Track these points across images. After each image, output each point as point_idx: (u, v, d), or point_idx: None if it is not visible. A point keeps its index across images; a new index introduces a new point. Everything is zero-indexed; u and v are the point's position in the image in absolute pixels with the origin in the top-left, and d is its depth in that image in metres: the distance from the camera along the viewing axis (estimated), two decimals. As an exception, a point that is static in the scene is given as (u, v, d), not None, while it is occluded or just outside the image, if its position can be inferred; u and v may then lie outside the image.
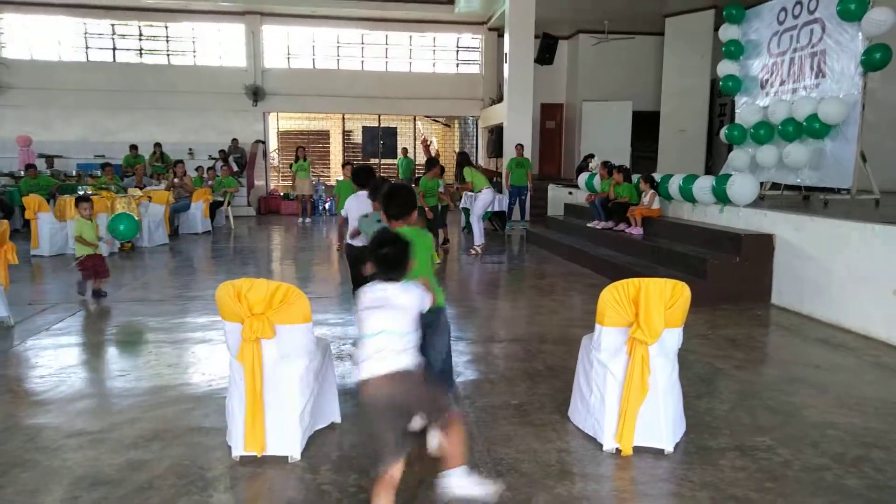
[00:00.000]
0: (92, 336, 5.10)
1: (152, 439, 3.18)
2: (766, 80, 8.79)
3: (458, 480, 2.42)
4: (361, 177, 4.96)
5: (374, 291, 2.37)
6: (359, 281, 4.30)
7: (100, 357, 4.64)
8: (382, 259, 2.37)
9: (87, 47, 16.12)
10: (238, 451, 2.95)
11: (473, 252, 9.55)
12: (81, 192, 10.19)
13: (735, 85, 9.24)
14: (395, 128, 18.03)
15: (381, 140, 17.70)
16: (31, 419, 3.47)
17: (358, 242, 4.49)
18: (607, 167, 9.35)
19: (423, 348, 2.66)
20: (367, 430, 2.79)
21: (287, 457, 2.94)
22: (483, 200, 9.82)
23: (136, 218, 7.26)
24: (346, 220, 4.85)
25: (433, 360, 2.99)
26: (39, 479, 2.79)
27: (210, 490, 2.70)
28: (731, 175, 7.15)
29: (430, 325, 2.90)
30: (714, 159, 14.97)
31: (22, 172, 12.07)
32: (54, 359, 4.51)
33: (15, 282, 5.80)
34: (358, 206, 4.64)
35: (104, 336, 5.13)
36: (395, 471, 2.29)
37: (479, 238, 9.78)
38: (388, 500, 2.31)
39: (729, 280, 6.20)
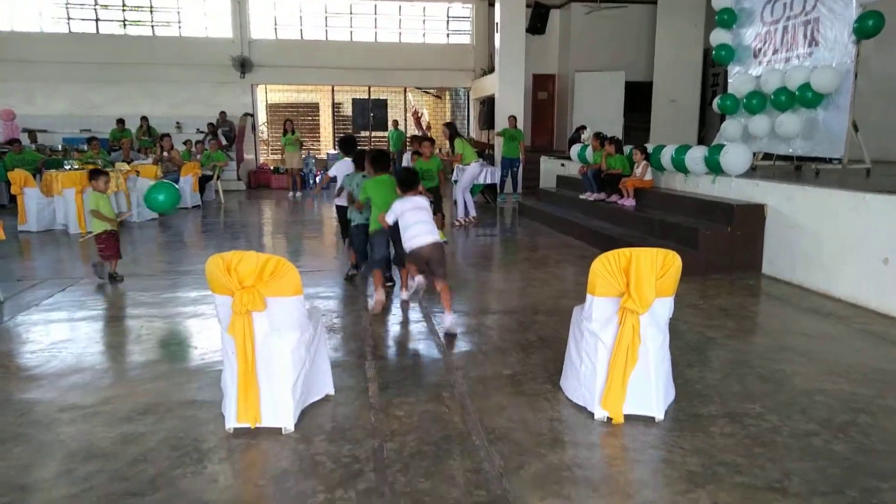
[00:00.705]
0: (83, 311, 5.06)
1: (145, 413, 3.19)
2: (760, 49, 8.72)
3: (449, 318, 4.43)
4: (348, 145, 6.61)
5: (407, 201, 4.45)
6: (345, 228, 6.27)
7: (91, 332, 4.62)
8: (408, 181, 4.57)
9: (68, 18, 15.75)
10: (231, 423, 2.95)
11: (459, 223, 9.49)
12: (68, 167, 10.07)
13: (728, 54, 9.16)
14: (386, 100, 17.84)
15: (372, 112, 17.51)
16: (24, 394, 3.46)
17: (342, 201, 6.12)
18: (599, 138, 9.31)
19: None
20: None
21: (280, 428, 2.95)
22: (470, 173, 9.74)
23: (177, 187, 6.51)
24: (332, 179, 6.67)
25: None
26: (33, 454, 2.79)
27: (204, 462, 2.71)
28: (723, 145, 7.13)
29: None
30: (707, 130, 14.92)
31: (6, 147, 11.88)
32: (45, 334, 4.49)
33: (3, 258, 5.75)
34: (346, 169, 6.11)
35: (95, 311, 5.10)
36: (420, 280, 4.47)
37: (467, 210, 9.68)
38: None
39: (720, 250, 6.22)
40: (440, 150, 11.13)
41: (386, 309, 5.03)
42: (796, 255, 5.88)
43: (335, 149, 17.40)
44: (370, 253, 5.17)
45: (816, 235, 5.65)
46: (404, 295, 5.26)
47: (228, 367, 2.97)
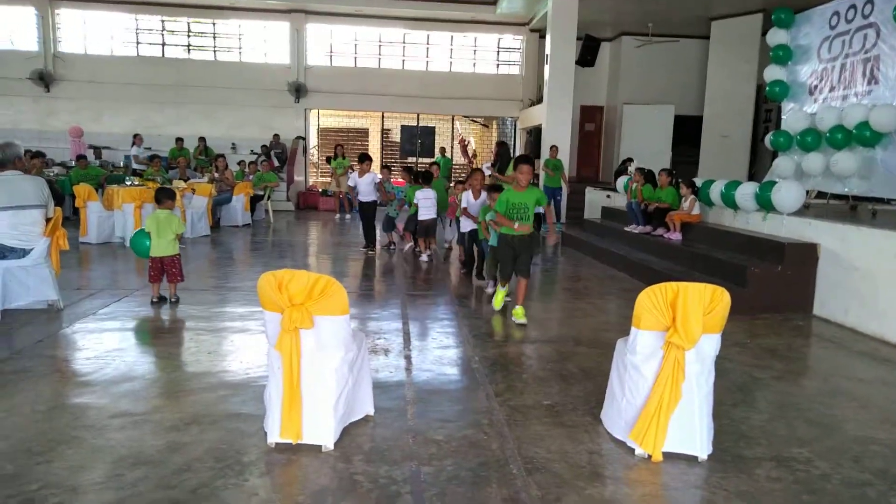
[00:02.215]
0: (135, 322, 5.26)
1: (191, 423, 3.28)
2: (815, 87, 8.57)
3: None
4: (364, 158, 9.16)
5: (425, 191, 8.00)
6: (367, 222, 9.18)
7: (143, 342, 4.79)
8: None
9: (137, 42, 16.62)
10: (273, 437, 3.01)
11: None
12: (129, 183, 10.50)
13: (782, 91, 9.03)
14: (434, 127, 18.12)
15: (420, 139, 17.80)
16: (78, 399, 3.60)
17: (364, 198, 9.01)
18: (643, 173, 9.17)
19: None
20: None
21: (321, 446, 3.00)
22: None
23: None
24: (354, 188, 9.17)
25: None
26: (85, 457, 2.90)
27: (245, 474, 2.77)
28: (775, 182, 6.99)
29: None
30: (757, 166, 14.63)
31: (73, 162, 12.51)
32: (100, 342, 4.67)
33: (64, 267, 6.02)
34: (363, 178, 8.97)
35: (147, 322, 5.29)
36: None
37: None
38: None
39: (770, 289, 6.06)
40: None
41: (425, 334, 5.09)
42: (850, 298, 5.68)
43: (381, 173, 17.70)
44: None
45: (872, 278, 5.46)
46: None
47: (273, 383, 3.04)
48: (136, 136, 14.69)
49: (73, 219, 10.88)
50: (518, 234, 5.38)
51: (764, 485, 2.80)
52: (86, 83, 15.92)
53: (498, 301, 5.85)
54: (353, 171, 9.45)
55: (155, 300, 5.77)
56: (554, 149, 12.53)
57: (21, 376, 3.87)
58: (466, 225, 7.55)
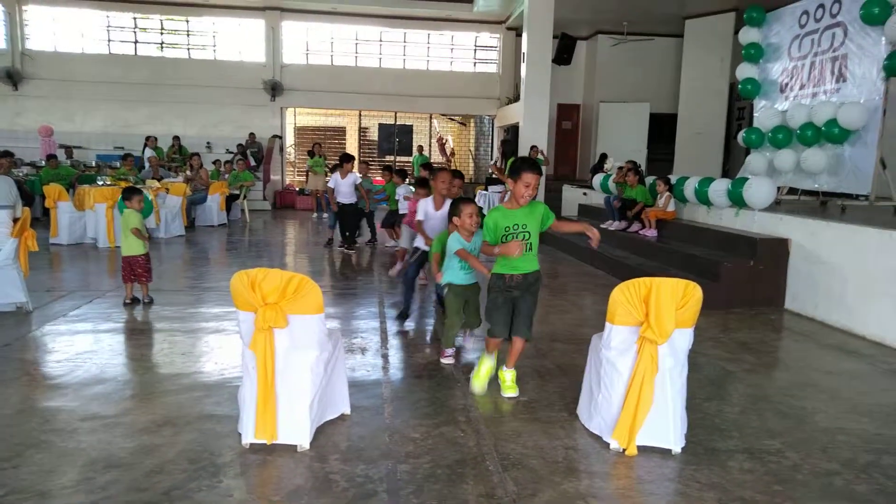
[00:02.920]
0: (108, 323, 5.17)
1: (164, 425, 3.23)
2: (786, 84, 8.72)
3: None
4: (345, 158, 9.09)
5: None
6: (345, 224, 9.13)
7: (115, 344, 4.71)
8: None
9: (109, 40, 16.33)
10: (248, 438, 2.98)
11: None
12: (101, 182, 10.34)
13: (754, 88, 9.17)
14: (412, 125, 18.08)
15: (397, 137, 17.75)
16: (47, 402, 3.53)
17: (345, 200, 8.91)
18: (635, 170, 9.21)
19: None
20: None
21: (296, 445, 2.98)
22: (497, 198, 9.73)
23: (150, 196, 6.40)
24: (334, 189, 8.99)
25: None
26: (54, 460, 2.85)
27: (220, 476, 2.74)
28: (747, 178, 7.10)
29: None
30: (731, 163, 14.86)
31: (43, 162, 12.26)
32: (70, 344, 4.59)
33: (34, 269, 5.90)
34: (345, 179, 8.88)
35: (119, 324, 5.20)
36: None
37: None
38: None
39: (742, 284, 6.16)
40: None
41: (405, 333, 5.09)
42: (820, 292, 5.79)
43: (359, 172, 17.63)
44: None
45: (841, 272, 5.57)
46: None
47: (248, 383, 3.01)
48: (148, 137, 14.60)
49: (43, 219, 10.67)
50: (521, 272, 3.59)
51: (736, 476, 2.84)
52: (56, 81, 15.60)
53: (480, 378, 3.81)
54: (333, 173, 9.34)
55: (128, 301, 5.68)
56: (535, 149, 12.55)
57: (-12, 380, 3.78)
58: (421, 242, 5.42)
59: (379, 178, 11.18)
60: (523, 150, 13.25)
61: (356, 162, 11.14)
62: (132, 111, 16.03)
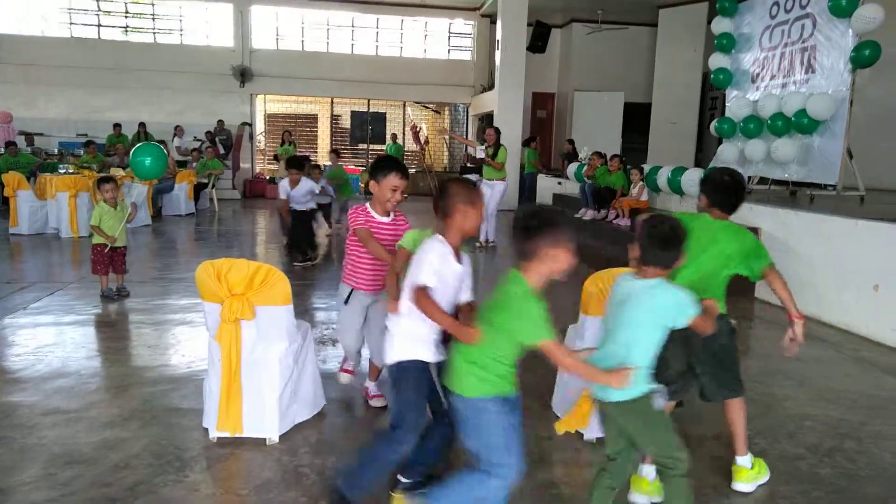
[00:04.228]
0: (71, 316, 5.02)
1: (129, 419, 3.15)
2: (757, 74, 8.81)
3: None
4: (293, 163, 7.44)
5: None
6: (304, 231, 7.46)
7: (78, 337, 4.57)
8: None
9: (71, 23, 15.81)
10: (214, 431, 2.92)
11: (481, 245, 8.85)
12: (63, 171, 10.04)
13: (726, 78, 9.25)
14: (385, 113, 17.90)
15: (370, 125, 17.57)
16: (7, 397, 3.42)
17: (299, 207, 7.30)
18: (602, 157, 9.31)
19: None
20: None
21: (265, 439, 2.92)
22: (502, 191, 9.02)
23: (166, 152, 5.93)
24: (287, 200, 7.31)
25: None
26: (14, 456, 2.75)
27: (186, 470, 2.67)
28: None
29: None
30: (704, 152, 15.02)
31: (2, 150, 11.86)
32: (31, 337, 4.44)
33: (-8, 259, 5.71)
34: (297, 189, 7.28)
35: (83, 316, 5.06)
36: None
37: (492, 232, 9.03)
38: None
39: (713, 272, 6.22)
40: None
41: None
42: (789, 280, 5.78)
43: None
44: None
45: (810, 260, 5.66)
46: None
47: (213, 375, 2.94)
48: (177, 127, 14.33)
49: (1, 209, 10.34)
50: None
51: (706, 462, 2.87)
52: (16, 65, 15.06)
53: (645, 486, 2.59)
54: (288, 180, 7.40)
55: (108, 293, 5.50)
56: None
57: (-57, 375, 3.64)
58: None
59: (351, 167, 10.98)
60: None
61: (336, 156, 10.37)
62: (97, 97, 15.56)
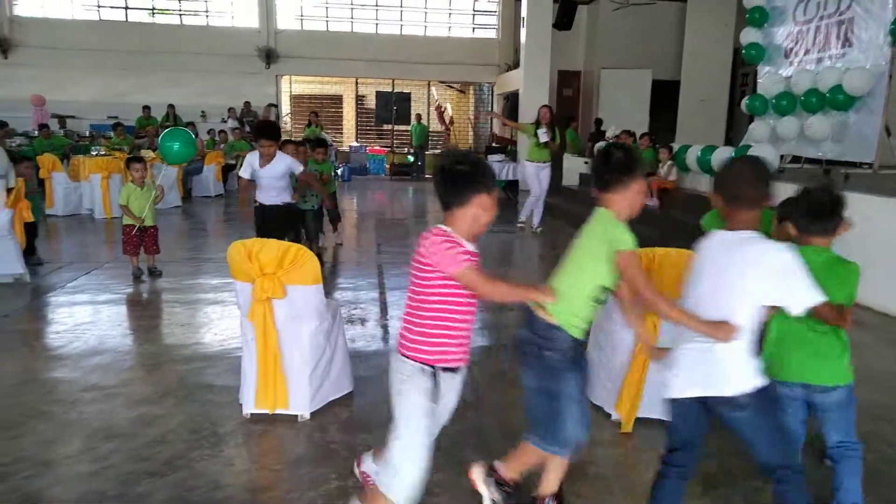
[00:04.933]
0: (106, 295, 5.14)
1: (164, 395, 3.23)
2: (791, 49, 8.55)
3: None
4: (264, 130, 5.19)
5: None
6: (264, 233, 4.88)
7: (113, 315, 4.69)
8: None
9: (98, 6, 15.98)
10: (249, 408, 2.98)
11: (532, 227, 8.61)
12: (95, 153, 10.22)
13: (758, 54, 9.00)
14: (409, 93, 17.83)
15: (395, 106, 17.52)
16: (48, 373, 3.53)
17: (269, 200, 5.13)
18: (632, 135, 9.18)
19: None
20: None
21: (297, 416, 2.97)
22: (550, 175, 8.63)
23: (194, 136, 5.92)
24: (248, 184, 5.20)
25: None
26: (57, 431, 2.85)
27: (221, 445, 2.74)
28: (750, 146, 7.02)
29: None
30: (734, 131, 14.69)
31: (36, 132, 12.10)
32: (69, 316, 4.57)
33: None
34: (268, 167, 5.03)
35: (118, 295, 5.18)
36: None
37: (538, 218, 8.66)
38: None
39: (743, 253, 6.12)
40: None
41: (402, 303, 5.06)
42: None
43: (358, 141, 17.48)
44: None
45: (845, 241, 5.51)
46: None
47: (247, 354, 3.00)
48: (230, 109, 14.64)
49: (37, 190, 10.56)
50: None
51: (737, 445, 2.83)
52: (46, 49, 15.29)
53: None
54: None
55: (138, 273, 5.58)
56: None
57: (-13, 352, 3.77)
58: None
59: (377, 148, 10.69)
60: (525, 117, 13.06)
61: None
62: (124, 80, 15.75)
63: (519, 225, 8.71)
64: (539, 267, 6.79)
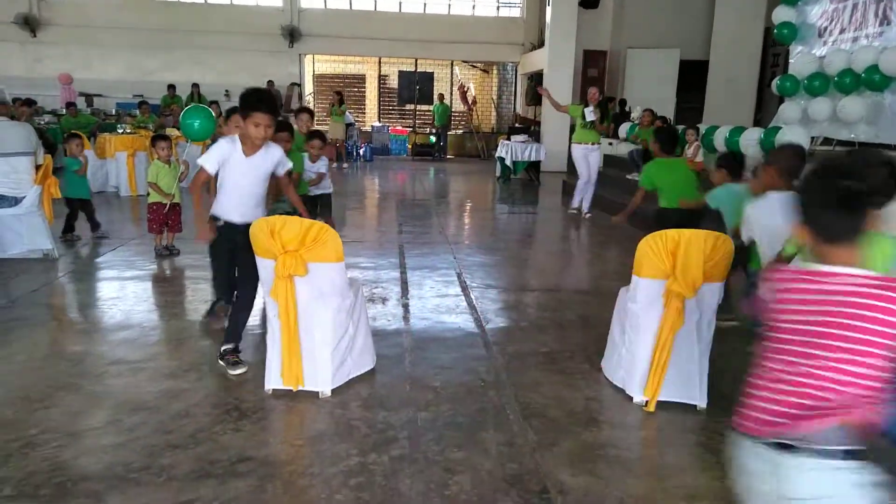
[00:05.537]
0: (131, 271, 5.22)
1: (189, 370, 3.28)
2: (825, 28, 8.29)
3: None
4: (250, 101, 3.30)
5: None
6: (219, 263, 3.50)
7: (139, 291, 4.75)
8: None
9: (125, -16, 16.04)
10: (271, 384, 3.01)
11: (582, 213, 8.34)
12: (121, 131, 10.32)
13: (791, 33, 8.74)
14: (432, 73, 17.68)
15: (418, 85, 17.40)
16: (75, 346, 3.60)
17: (232, 216, 3.27)
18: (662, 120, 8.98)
19: None
20: None
21: (318, 392, 3.00)
22: (600, 157, 8.46)
23: (214, 114, 5.93)
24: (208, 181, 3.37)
25: None
26: (84, 403, 2.91)
27: (244, 420, 2.78)
28: (780, 128, 6.85)
29: None
30: (764, 112, 14.36)
31: (63, 110, 12.26)
32: (96, 291, 4.66)
33: (58, 217, 5.94)
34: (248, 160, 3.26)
35: (143, 271, 5.25)
36: None
37: (588, 202, 8.39)
38: None
39: (771, 237, 6.01)
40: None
41: (423, 282, 5.06)
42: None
43: (380, 121, 17.42)
44: None
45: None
46: None
47: (270, 331, 3.03)
48: (170, 86, 14.51)
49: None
50: None
51: (760, 430, 2.81)
52: (73, 27, 15.43)
53: None
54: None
55: (164, 251, 5.65)
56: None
57: (18, 325, 3.85)
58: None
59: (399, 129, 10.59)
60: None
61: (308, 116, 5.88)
62: (150, 58, 15.85)
63: (571, 211, 8.45)
64: (568, 245, 6.73)
